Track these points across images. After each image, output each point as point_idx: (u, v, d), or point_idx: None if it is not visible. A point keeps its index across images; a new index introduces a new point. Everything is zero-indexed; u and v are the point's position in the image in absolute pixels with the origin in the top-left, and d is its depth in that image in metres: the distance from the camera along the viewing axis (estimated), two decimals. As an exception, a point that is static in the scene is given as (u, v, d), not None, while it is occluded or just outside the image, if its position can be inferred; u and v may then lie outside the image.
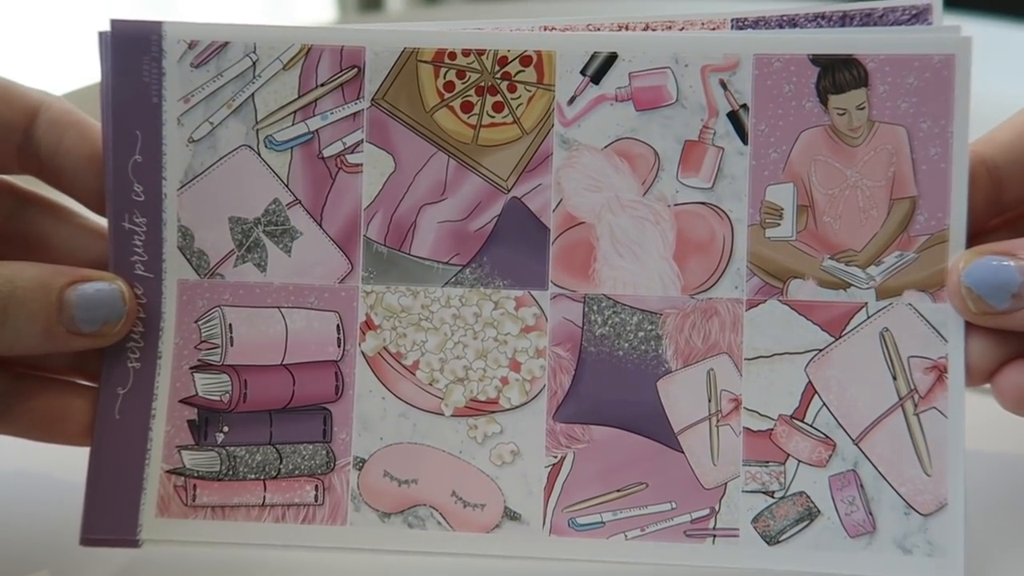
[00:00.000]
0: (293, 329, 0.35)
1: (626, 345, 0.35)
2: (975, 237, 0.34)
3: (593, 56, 0.35)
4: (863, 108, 0.34)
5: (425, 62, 0.35)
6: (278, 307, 0.35)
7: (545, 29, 0.35)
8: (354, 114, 0.35)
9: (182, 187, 0.35)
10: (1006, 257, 0.33)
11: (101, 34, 0.35)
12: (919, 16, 0.35)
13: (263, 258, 0.35)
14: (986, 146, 0.35)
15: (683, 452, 0.35)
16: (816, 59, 0.34)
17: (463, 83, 0.35)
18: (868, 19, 0.35)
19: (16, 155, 0.35)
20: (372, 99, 0.35)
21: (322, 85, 0.35)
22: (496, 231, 0.35)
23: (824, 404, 0.34)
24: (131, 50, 0.35)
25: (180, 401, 0.35)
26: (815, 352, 0.34)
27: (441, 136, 0.35)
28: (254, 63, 0.35)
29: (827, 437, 0.34)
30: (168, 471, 0.35)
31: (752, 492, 0.34)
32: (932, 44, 0.34)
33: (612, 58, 0.35)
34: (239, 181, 0.35)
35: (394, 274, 0.35)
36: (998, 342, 0.34)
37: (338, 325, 0.35)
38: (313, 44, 0.35)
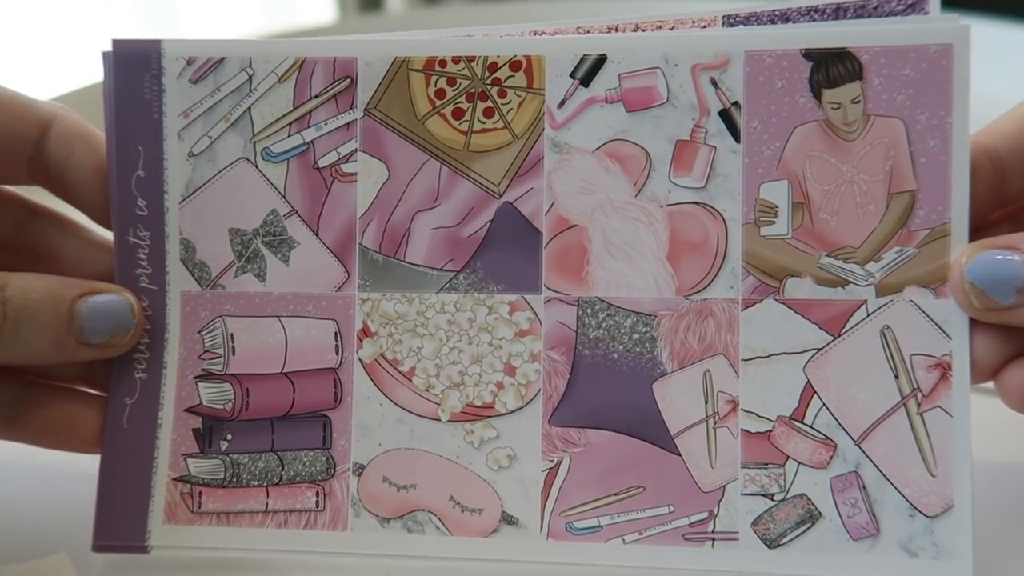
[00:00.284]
0: (292, 338, 0.36)
1: (621, 348, 0.35)
2: (977, 230, 0.33)
3: (582, 59, 0.35)
4: (858, 102, 0.34)
5: (416, 70, 0.35)
6: (277, 316, 0.36)
7: (534, 34, 0.35)
8: (348, 124, 0.36)
9: (183, 200, 0.36)
10: (1010, 251, 0.32)
11: (104, 53, 0.36)
12: (915, 6, 0.34)
13: (262, 268, 0.36)
14: (988, 136, 0.34)
15: (680, 455, 0.34)
16: (808, 53, 0.34)
17: (454, 90, 0.35)
18: (863, 11, 0.34)
19: (26, 166, 0.36)
20: (365, 109, 0.36)
21: (316, 96, 0.36)
22: (489, 236, 0.35)
23: (824, 404, 0.34)
24: (132, 68, 0.36)
25: (185, 410, 0.36)
26: (814, 351, 0.34)
27: (433, 143, 0.36)
28: (250, 77, 0.36)
29: (827, 438, 0.34)
30: (175, 479, 0.36)
31: (751, 495, 0.34)
32: (928, 34, 0.33)
33: (601, 60, 0.35)
34: (238, 193, 0.36)
35: (389, 281, 0.36)
36: (1003, 338, 0.33)
37: (336, 333, 0.36)
38: (307, 56, 0.36)
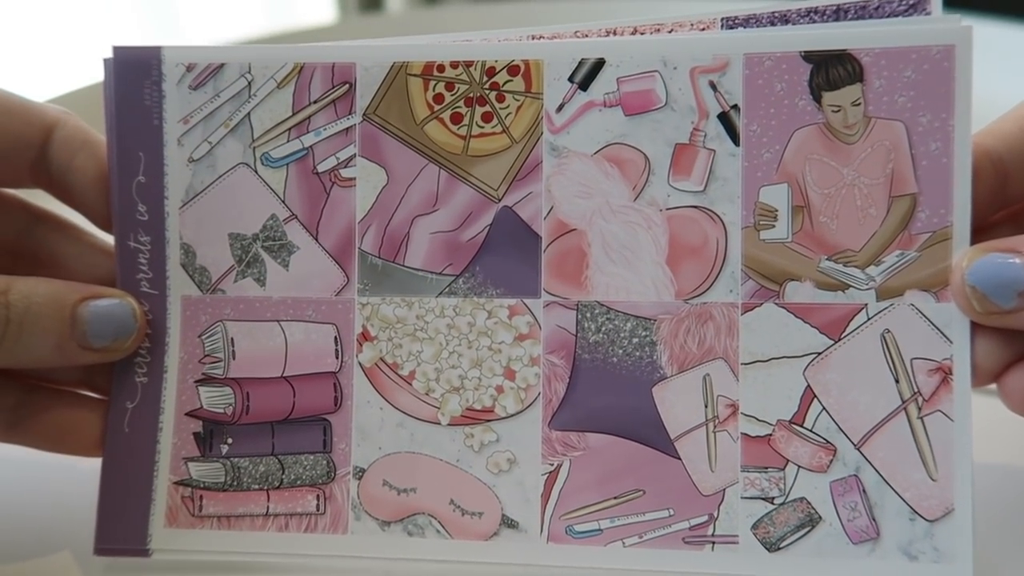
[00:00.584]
0: (292, 342, 0.36)
1: (620, 352, 0.35)
2: (977, 232, 0.33)
3: (580, 63, 0.35)
4: (858, 104, 0.33)
5: (414, 75, 0.35)
6: (277, 320, 0.36)
7: (532, 38, 0.35)
8: (346, 129, 0.36)
9: (183, 206, 0.36)
10: (1012, 254, 0.32)
11: (105, 60, 0.36)
12: (916, 7, 0.34)
13: (262, 273, 0.36)
14: (989, 137, 0.33)
15: (680, 459, 0.34)
16: (808, 56, 0.34)
17: (452, 95, 0.35)
18: (863, 12, 0.34)
19: (29, 170, 0.36)
20: (364, 114, 0.36)
21: (315, 102, 0.36)
22: (488, 240, 0.35)
23: (824, 408, 0.34)
24: (133, 75, 0.36)
25: (186, 414, 0.36)
26: (814, 355, 0.34)
27: (432, 148, 0.36)
28: (249, 83, 0.36)
29: (827, 442, 0.34)
30: (176, 482, 0.36)
31: (751, 498, 0.34)
32: (930, 35, 0.33)
33: (599, 64, 0.35)
34: (237, 198, 0.36)
35: (389, 285, 0.36)
36: (1005, 342, 0.32)
37: (336, 337, 0.36)
38: (306, 62, 0.36)
